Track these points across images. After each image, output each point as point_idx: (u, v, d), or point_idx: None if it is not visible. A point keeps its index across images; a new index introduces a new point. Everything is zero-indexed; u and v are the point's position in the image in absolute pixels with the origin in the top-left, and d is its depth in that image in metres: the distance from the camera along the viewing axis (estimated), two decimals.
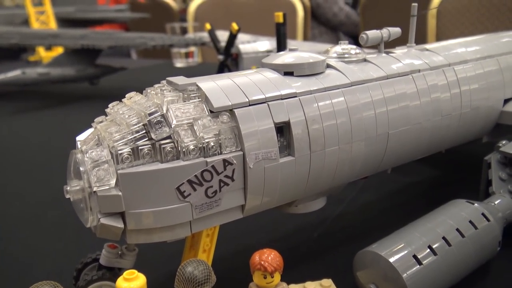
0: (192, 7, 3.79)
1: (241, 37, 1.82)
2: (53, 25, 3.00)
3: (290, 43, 1.73)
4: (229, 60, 1.50)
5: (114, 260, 0.61)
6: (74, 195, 0.53)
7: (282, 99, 0.58)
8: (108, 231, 0.52)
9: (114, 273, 0.60)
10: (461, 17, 3.04)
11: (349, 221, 0.84)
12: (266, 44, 1.52)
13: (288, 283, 0.53)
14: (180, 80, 0.58)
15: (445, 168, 1.06)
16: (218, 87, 0.57)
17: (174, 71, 2.64)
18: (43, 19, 2.93)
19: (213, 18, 4.00)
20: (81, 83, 1.80)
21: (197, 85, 0.57)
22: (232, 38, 1.43)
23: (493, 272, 0.66)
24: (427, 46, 0.79)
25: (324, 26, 4.36)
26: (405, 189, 0.98)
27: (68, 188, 0.54)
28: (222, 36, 1.93)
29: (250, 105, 0.56)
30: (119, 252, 0.61)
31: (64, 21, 3.45)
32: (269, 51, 1.48)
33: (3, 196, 1.05)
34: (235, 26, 1.39)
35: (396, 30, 0.74)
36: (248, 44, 1.51)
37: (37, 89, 1.78)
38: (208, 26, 1.54)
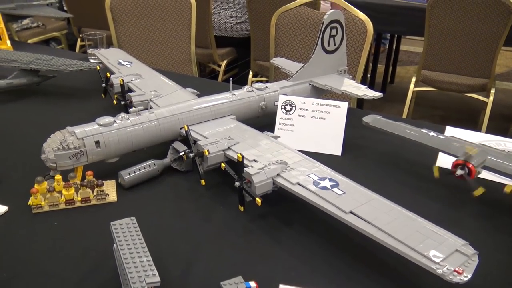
0: None
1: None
2: (1, 23, 4.27)
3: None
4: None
5: None
6: (43, 157, 2.18)
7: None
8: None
9: None
10: (294, 29, 3.86)
11: None
12: None
13: None
14: (70, 128, 2.21)
15: None
16: (83, 128, 2.22)
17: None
18: None
19: (129, 8, 5.07)
20: (31, 86, 3.31)
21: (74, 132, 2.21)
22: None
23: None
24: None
25: None
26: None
27: (42, 155, 2.18)
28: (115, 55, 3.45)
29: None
30: None
31: (8, 16, 4.69)
32: None
33: None
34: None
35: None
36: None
37: None
38: (98, 67, 3.08)
